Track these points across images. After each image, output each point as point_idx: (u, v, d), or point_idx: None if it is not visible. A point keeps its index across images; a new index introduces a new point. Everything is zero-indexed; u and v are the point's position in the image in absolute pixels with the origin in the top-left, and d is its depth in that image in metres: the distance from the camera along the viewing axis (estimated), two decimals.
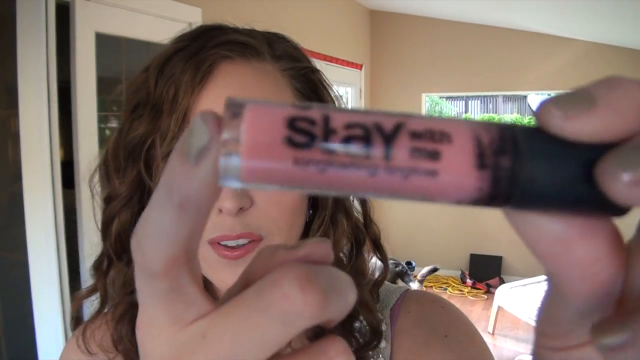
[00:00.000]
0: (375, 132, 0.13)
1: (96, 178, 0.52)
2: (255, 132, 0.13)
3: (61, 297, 1.81)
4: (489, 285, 4.51)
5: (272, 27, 0.51)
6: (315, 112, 0.13)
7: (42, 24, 1.73)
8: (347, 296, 0.16)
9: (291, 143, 0.13)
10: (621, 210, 0.14)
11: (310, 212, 0.50)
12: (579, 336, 0.17)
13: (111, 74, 2.14)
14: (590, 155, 0.13)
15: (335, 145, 0.13)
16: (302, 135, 0.13)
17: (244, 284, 0.16)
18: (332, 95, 0.52)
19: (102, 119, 2.10)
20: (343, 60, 3.98)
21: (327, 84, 0.52)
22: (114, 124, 2.29)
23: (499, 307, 3.37)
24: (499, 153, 0.13)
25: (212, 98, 0.43)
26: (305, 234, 0.50)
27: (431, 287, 4.63)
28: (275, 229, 0.45)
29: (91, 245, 1.81)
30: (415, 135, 0.13)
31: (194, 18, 2.33)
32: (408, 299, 0.55)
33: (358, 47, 4.58)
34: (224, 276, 0.45)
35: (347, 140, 0.13)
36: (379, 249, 0.55)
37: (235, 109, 0.14)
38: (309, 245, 0.16)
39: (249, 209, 0.43)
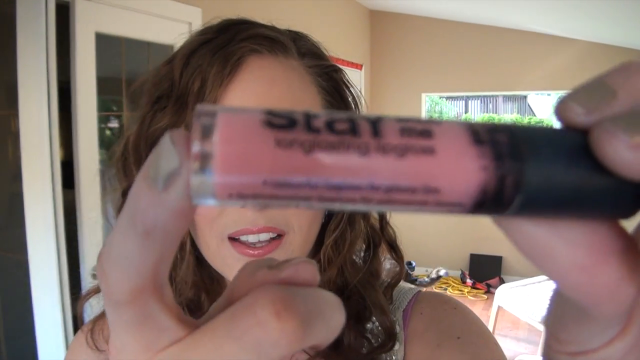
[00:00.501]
0: (359, 117, 0.12)
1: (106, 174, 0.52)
2: (230, 140, 0.12)
3: (61, 297, 1.81)
4: (489, 285, 4.51)
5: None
6: (294, 112, 0.12)
7: (42, 23, 1.73)
8: (332, 321, 0.15)
9: (270, 125, 0.12)
10: (629, 209, 0.13)
11: (327, 212, 0.50)
12: (600, 339, 0.16)
13: (111, 74, 2.14)
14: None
15: (319, 124, 0.12)
16: (282, 118, 0.12)
17: (227, 302, 0.15)
18: (354, 94, 0.52)
19: (102, 119, 2.10)
20: (343, 60, 3.98)
21: (349, 84, 0.52)
22: (114, 123, 2.29)
23: (499, 307, 3.37)
24: (493, 131, 0.13)
25: (240, 91, 0.43)
26: (321, 234, 0.49)
27: (431, 287, 4.63)
28: (296, 225, 0.44)
29: (91, 245, 1.81)
30: (401, 120, 0.13)
31: (194, 18, 2.33)
32: (420, 301, 0.54)
33: (358, 47, 4.58)
34: None
35: (331, 121, 0.12)
36: (395, 251, 0.55)
37: (205, 119, 0.12)
38: (293, 266, 0.15)
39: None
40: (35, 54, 1.73)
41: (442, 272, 4.09)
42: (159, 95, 0.45)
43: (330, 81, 0.49)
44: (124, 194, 0.48)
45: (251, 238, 0.43)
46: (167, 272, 0.15)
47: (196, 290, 0.49)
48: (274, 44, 0.45)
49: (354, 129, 0.12)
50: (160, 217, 0.13)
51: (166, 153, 0.13)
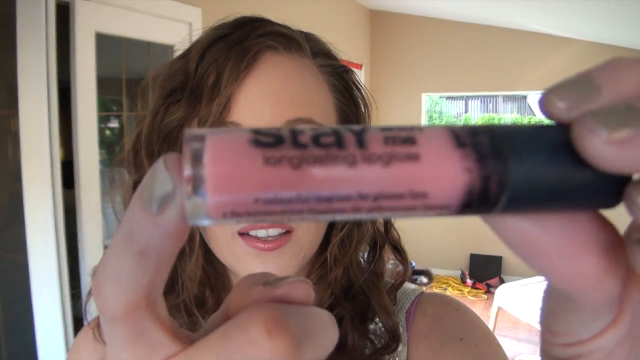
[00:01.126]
0: (344, 129, 0.13)
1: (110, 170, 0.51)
2: (219, 162, 0.12)
3: (61, 297, 1.81)
4: (489, 285, 4.51)
5: None
6: (281, 129, 0.13)
7: (42, 23, 1.73)
8: (325, 339, 0.15)
9: (258, 143, 0.12)
10: (611, 200, 0.13)
11: None
12: (591, 330, 0.16)
13: (111, 74, 2.14)
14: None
15: (306, 139, 0.12)
16: (268, 137, 0.12)
17: (223, 316, 0.15)
18: (364, 94, 0.52)
19: (102, 119, 2.10)
20: (343, 60, 3.97)
21: (359, 84, 0.52)
22: (114, 123, 2.29)
23: (499, 307, 3.37)
24: (474, 133, 0.13)
25: (255, 86, 0.43)
26: (328, 232, 0.50)
27: (431, 287, 4.63)
28: (305, 223, 0.45)
29: (91, 245, 1.81)
30: (385, 129, 0.13)
31: (194, 18, 2.33)
32: (423, 302, 0.54)
33: (358, 47, 4.58)
34: (253, 267, 0.45)
35: (317, 136, 0.12)
36: (399, 253, 0.55)
37: (195, 143, 0.12)
38: (288, 284, 0.15)
39: None
40: (35, 54, 1.73)
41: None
42: (172, 88, 0.46)
43: (342, 81, 0.50)
44: (135, 186, 0.48)
45: (260, 233, 0.44)
46: (161, 288, 0.15)
47: (201, 287, 0.49)
48: (290, 41, 0.46)
49: (339, 142, 0.12)
50: (155, 238, 0.14)
51: (160, 177, 0.13)
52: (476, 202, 0.13)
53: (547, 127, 0.14)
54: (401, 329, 0.52)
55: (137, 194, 0.14)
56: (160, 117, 0.46)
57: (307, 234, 0.46)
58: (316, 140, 0.12)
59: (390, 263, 0.55)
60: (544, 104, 0.14)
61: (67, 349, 1.83)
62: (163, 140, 0.46)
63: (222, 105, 0.42)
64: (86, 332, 0.55)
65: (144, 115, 0.48)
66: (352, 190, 0.12)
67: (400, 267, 0.56)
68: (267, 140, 0.12)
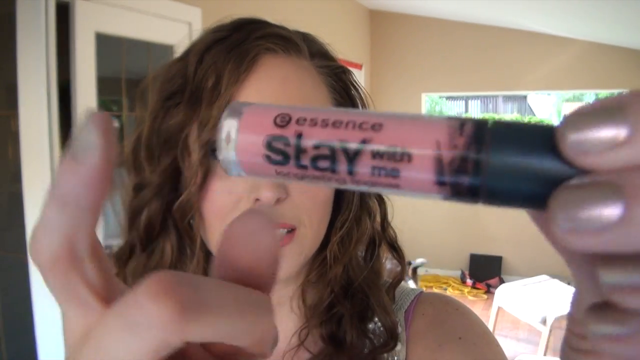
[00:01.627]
0: (340, 154, 0.14)
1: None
2: (246, 143, 0.16)
3: None
4: (489, 285, 4.51)
5: None
6: (290, 129, 0.15)
7: (42, 23, 1.73)
8: (245, 321, 0.15)
9: (269, 160, 0.15)
10: None
11: (334, 209, 0.50)
12: None
13: (111, 74, 2.14)
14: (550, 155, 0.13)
15: (306, 162, 0.15)
16: (278, 154, 0.15)
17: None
18: (362, 95, 0.53)
19: None
20: (343, 60, 3.96)
21: (358, 85, 0.53)
22: (114, 123, 2.29)
23: (499, 307, 3.37)
24: (458, 172, 0.13)
25: (254, 89, 0.43)
26: (327, 233, 0.50)
27: (431, 287, 4.63)
28: (307, 220, 0.45)
29: None
30: (377, 156, 0.14)
31: (194, 18, 2.33)
32: (422, 301, 0.55)
33: (358, 47, 4.58)
34: None
35: (315, 159, 0.15)
36: (396, 251, 0.55)
37: (232, 119, 0.17)
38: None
39: (284, 200, 0.43)
40: (35, 54, 1.73)
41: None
42: (171, 91, 0.46)
43: (340, 82, 0.50)
44: (135, 189, 0.48)
45: None
46: (86, 247, 0.16)
47: None
48: (288, 43, 0.46)
49: (333, 168, 0.14)
50: (75, 186, 0.15)
51: (84, 130, 0.15)
52: (456, 198, 0.14)
53: (539, 125, 0.14)
54: (400, 329, 0.52)
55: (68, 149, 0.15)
56: (160, 121, 0.46)
57: (310, 232, 0.46)
58: (314, 163, 0.15)
59: (390, 262, 0.56)
60: (560, 132, 0.13)
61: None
62: (163, 144, 0.46)
63: (223, 108, 0.42)
64: None
65: (142, 118, 0.48)
66: (346, 187, 0.15)
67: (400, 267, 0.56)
68: (276, 159, 0.15)
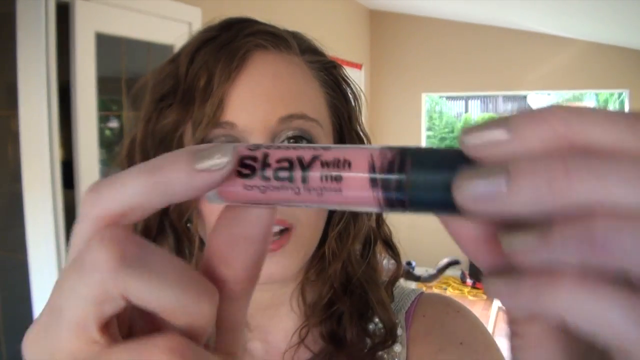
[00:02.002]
0: (296, 163, 0.18)
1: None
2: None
3: None
4: None
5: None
6: (259, 151, 0.19)
7: (42, 23, 1.73)
8: (183, 294, 0.16)
9: (240, 174, 0.18)
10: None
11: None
12: None
13: (111, 74, 2.14)
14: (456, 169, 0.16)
15: (269, 174, 0.18)
16: (247, 169, 0.18)
17: None
18: (353, 89, 0.53)
19: (102, 119, 2.10)
20: (343, 60, 3.98)
21: (348, 80, 0.53)
22: (114, 123, 2.29)
23: (499, 307, 3.37)
24: (387, 173, 0.17)
25: (246, 86, 0.43)
26: (325, 229, 0.50)
27: (431, 287, 4.63)
28: (304, 218, 0.45)
29: None
30: (325, 165, 0.18)
31: (194, 18, 2.33)
32: (423, 303, 0.54)
33: (358, 47, 4.58)
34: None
35: (277, 170, 0.18)
36: (391, 248, 0.55)
37: None
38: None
39: None
40: (35, 54, 1.73)
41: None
42: (163, 93, 0.46)
43: (331, 76, 0.50)
44: None
45: None
46: (131, 226, 0.17)
47: None
48: (278, 39, 0.46)
49: (290, 178, 0.18)
50: (179, 183, 0.16)
51: (224, 150, 0.17)
52: (386, 208, 0.18)
53: (451, 149, 0.17)
54: (400, 330, 0.52)
55: (191, 148, 0.17)
56: (154, 122, 0.46)
57: (307, 230, 0.46)
58: (276, 175, 0.18)
59: (388, 262, 0.56)
60: (460, 138, 0.16)
61: None
62: (158, 144, 0.46)
63: (216, 106, 0.42)
64: None
65: (136, 121, 0.48)
66: (298, 202, 0.19)
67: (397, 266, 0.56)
68: (244, 172, 0.18)
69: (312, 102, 0.46)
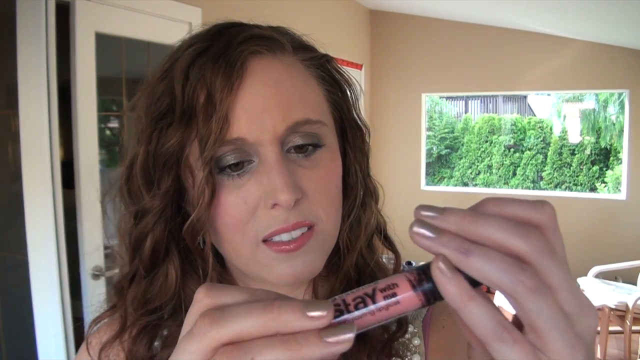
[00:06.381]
0: (365, 297, 0.27)
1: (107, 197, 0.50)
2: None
3: (61, 298, 1.81)
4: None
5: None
6: (339, 300, 0.27)
7: (42, 23, 1.73)
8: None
9: (336, 317, 0.26)
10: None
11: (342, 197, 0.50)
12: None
13: (111, 74, 2.15)
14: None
15: (352, 308, 0.27)
16: (340, 314, 0.27)
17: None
18: (346, 78, 0.52)
19: (102, 119, 2.10)
20: (343, 60, 3.97)
21: (341, 71, 0.52)
22: (114, 123, 2.29)
23: (499, 307, 3.36)
24: (419, 279, 0.27)
25: (249, 98, 0.42)
26: None
27: None
28: (324, 215, 0.45)
29: (91, 245, 1.80)
30: (382, 290, 0.27)
31: (194, 18, 2.33)
32: (440, 312, 0.54)
33: (358, 47, 4.58)
34: (282, 271, 0.44)
35: (356, 305, 0.27)
36: (386, 239, 0.55)
37: None
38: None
39: (301, 199, 0.43)
40: (35, 54, 1.73)
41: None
42: (160, 112, 0.44)
43: (325, 71, 0.50)
44: (135, 217, 0.47)
45: (284, 237, 0.43)
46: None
47: None
48: (272, 43, 0.45)
49: (365, 304, 0.27)
50: (306, 347, 0.23)
51: (347, 330, 0.24)
52: (430, 303, 0.27)
53: None
54: (418, 340, 0.51)
55: (298, 303, 0.24)
56: (155, 143, 0.44)
57: (328, 224, 0.46)
58: (355, 304, 0.27)
59: (390, 263, 0.55)
60: (415, 210, 0.27)
61: (67, 349, 1.83)
62: (162, 167, 0.44)
63: (222, 122, 0.41)
64: (83, 349, 0.54)
65: (132, 140, 0.47)
66: (379, 320, 0.27)
67: (402, 267, 0.55)
68: (336, 315, 0.26)
69: (313, 103, 0.46)
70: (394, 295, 0.26)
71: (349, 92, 0.52)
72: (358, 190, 0.50)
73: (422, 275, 0.27)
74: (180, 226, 0.46)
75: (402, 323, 0.50)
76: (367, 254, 0.51)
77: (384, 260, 0.55)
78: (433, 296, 0.26)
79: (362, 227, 0.51)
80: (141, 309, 0.48)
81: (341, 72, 0.52)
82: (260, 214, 0.43)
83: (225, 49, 0.43)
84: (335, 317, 0.26)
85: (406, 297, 0.26)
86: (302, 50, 0.49)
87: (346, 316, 0.26)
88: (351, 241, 0.50)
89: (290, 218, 0.43)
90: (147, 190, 0.45)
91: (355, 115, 0.52)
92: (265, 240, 0.44)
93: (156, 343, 0.50)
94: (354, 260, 0.50)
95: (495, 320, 0.25)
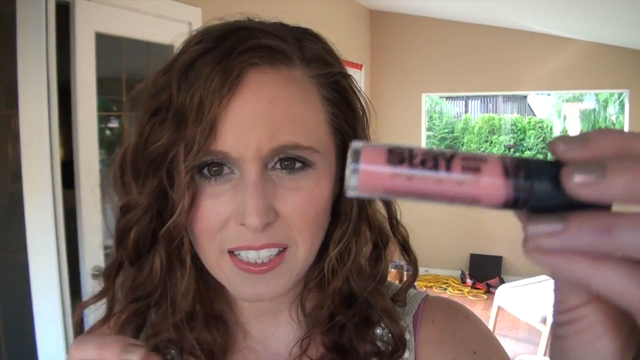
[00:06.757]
0: (440, 156, 0.21)
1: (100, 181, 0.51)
2: (368, 163, 0.21)
3: (61, 298, 1.81)
4: (489, 285, 4.51)
5: None
6: (402, 148, 0.21)
7: (42, 23, 1.73)
8: None
9: (389, 162, 0.21)
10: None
11: (330, 222, 0.48)
12: (576, 301, 0.23)
13: (111, 74, 2.14)
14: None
15: (417, 162, 0.21)
16: (397, 159, 0.21)
17: None
18: (362, 101, 0.50)
19: (102, 119, 2.10)
20: (343, 60, 3.97)
21: (357, 90, 0.50)
22: (114, 123, 2.29)
23: (499, 307, 3.37)
24: (517, 168, 0.21)
25: (239, 111, 0.41)
26: (325, 244, 0.48)
27: (431, 287, 4.63)
28: (299, 239, 0.44)
29: (91, 245, 1.81)
30: (464, 158, 0.21)
31: (194, 18, 2.33)
32: (430, 307, 0.54)
33: (358, 47, 4.58)
34: (242, 289, 0.44)
35: (424, 161, 0.21)
36: (407, 251, 0.54)
37: (354, 152, 0.22)
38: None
39: (274, 222, 0.42)
40: (35, 54, 1.73)
41: None
42: (156, 107, 0.44)
43: (337, 90, 0.47)
44: (123, 210, 0.47)
45: (251, 255, 0.43)
46: None
47: (193, 302, 0.48)
48: (275, 54, 0.43)
49: (436, 166, 0.21)
50: None
51: None
52: (511, 205, 0.21)
53: (553, 163, 0.21)
54: (408, 335, 0.51)
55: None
56: (145, 139, 0.44)
57: (302, 249, 0.44)
58: (423, 163, 0.21)
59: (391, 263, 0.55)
60: (551, 146, 0.21)
61: (67, 349, 1.83)
62: (149, 164, 0.44)
63: (207, 132, 0.40)
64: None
65: (131, 131, 0.47)
66: (438, 195, 0.21)
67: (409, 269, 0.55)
68: (395, 160, 0.21)
69: (309, 127, 0.44)
70: (477, 170, 0.20)
71: (361, 115, 0.50)
72: (352, 217, 0.48)
73: (523, 167, 0.20)
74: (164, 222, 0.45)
75: (401, 342, 0.50)
76: (359, 280, 0.50)
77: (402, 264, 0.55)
78: (525, 199, 0.20)
79: (352, 255, 0.49)
80: (129, 295, 0.48)
81: (357, 92, 0.49)
82: (230, 227, 0.43)
83: (226, 56, 0.42)
84: (394, 162, 0.20)
85: (490, 182, 0.20)
86: (314, 64, 0.46)
87: (403, 169, 0.20)
88: (339, 267, 0.49)
89: (260, 238, 0.42)
90: (135, 184, 0.45)
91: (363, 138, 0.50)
92: (230, 252, 0.43)
93: (142, 334, 0.50)
94: (339, 284, 0.49)
95: None
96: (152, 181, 0.44)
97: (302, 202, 0.43)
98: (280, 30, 0.46)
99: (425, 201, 0.21)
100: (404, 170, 0.21)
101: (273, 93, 0.42)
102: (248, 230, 0.42)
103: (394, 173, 0.21)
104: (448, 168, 0.20)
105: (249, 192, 0.41)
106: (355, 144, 0.22)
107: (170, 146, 0.43)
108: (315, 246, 0.46)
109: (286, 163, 0.43)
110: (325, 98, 0.46)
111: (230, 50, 0.42)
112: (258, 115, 0.41)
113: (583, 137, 0.20)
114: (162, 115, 0.43)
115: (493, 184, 0.20)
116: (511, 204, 0.21)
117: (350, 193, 0.21)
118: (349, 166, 0.21)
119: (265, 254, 0.43)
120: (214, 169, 0.43)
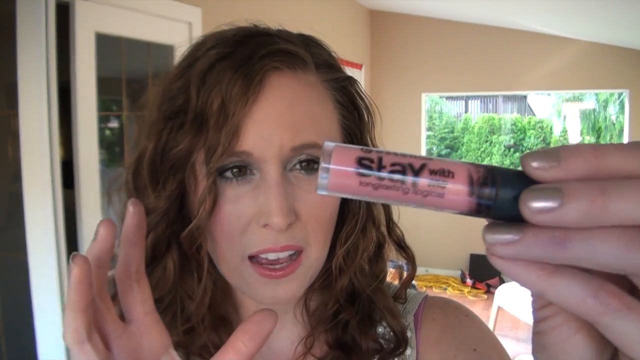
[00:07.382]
0: (409, 168, 0.21)
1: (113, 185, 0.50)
2: (338, 165, 0.22)
3: (61, 297, 1.81)
4: (489, 285, 4.51)
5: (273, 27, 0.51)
6: (373, 154, 0.21)
7: (42, 24, 1.73)
8: None
9: (359, 173, 0.21)
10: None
11: (338, 221, 0.50)
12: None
13: (111, 74, 2.14)
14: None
15: (384, 174, 0.21)
16: (365, 169, 0.21)
17: None
18: (367, 103, 0.52)
19: (102, 119, 2.10)
20: (342, 60, 3.95)
21: (363, 94, 0.52)
22: (114, 123, 2.29)
23: (499, 307, 3.37)
24: (484, 178, 0.21)
25: (262, 113, 0.42)
26: (332, 244, 0.49)
27: (431, 287, 4.63)
28: (314, 240, 0.45)
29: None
30: (432, 172, 0.21)
31: (194, 18, 2.33)
32: (431, 306, 0.55)
33: (358, 47, 4.58)
34: (263, 293, 0.45)
35: (392, 172, 0.21)
36: (404, 250, 0.55)
37: (327, 152, 0.22)
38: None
39: (293, 223, 0.43)
40: (35, 54, 1.73)
41: None
42: (174, 111, 0.44)
43: (346, 94, 0.49)
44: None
45: (271, 256, 0.43)
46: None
47: (208, 306, 0.49)
48: (294, 59, 0.45)
49: (403, 180, 0.21)
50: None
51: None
52: (474, 214, 0.22)
53: (521, 174, 0.21)
54: (410, 333, 0.52)
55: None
56: (164, 143, 0.44)
57: (316, 251, 0.45)
58: (390, 174, 0.21)
59: (391, 263, 0.56)
60: (523, 161, 0.20)
61: (67, 349, 1.83)
62: (169, 169, 0.44)
63: (232, 135, 0.41)
64: None
65: (143, 132, 0.47)
66: (403, 203, 0.22)
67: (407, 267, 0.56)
68: (362, 171, 0.21)
69: (325, 127, 0.46)
70: (444, 183, 0.21)
71: (367, 119, 0.51)
72: (360, 216, 0.50)
73: (490, 178, 0.21)
74: (182, 226, 0.46)
75: (402, 340, 0.50)
76: (361, 278, 0.51)
77: (401, 264, 0.56)
78: (488, 208, 0.21)
79: (359, 252, 0.50)
80: None
81: (362, 96, 0.51)
82: (251, 230, 0.43)
83: (246, 60, 0.42)
84: (362, 173, 0.21)
85: (454, 194, 0.21)
86: (325, 69, 0.48)
87: (371, 179, 0.21)
88: (346, 265, 0.50)
89: (281, 240, 0.43)
90: (152, 188, 0.45)
91: (368, 141, 0.52)
92: (251, 257, 0.44)
93: None
94: (345, 283, 0.50)
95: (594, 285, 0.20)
96: (171, 185, 0.44)
97: (319, 204, 0.44)
98: (291, 36, 0.47)
99: (393, 204, 0.22)
100: (370, 178, 0.21)
101: (293, 95, 0.44)
102: (270, 232, 0.42)
103: (361, 179, 0.21)
104: (414, 181, 0.21)
105: (273, 192, 0.41)
106: (328, 144, 0.22)
107: (191, 149, 0.43)
108: (326, 247, 0.47)
109: (304, 164, 0.44)
110: (337, 101, 0.48)
111: (251, 54, 0.43)
112: (280, 115, 0.42)
113: (554, 155, 0.20)
114: (180, 119, 0.44)
115: (457, 195, 0.21)
116: (474, 212, 0.21)
117: (321, 191, 0.22)
118: (321, 165, 0.22)
119: (284, 255, 0.43)
120: (235, 170, 0.43)
